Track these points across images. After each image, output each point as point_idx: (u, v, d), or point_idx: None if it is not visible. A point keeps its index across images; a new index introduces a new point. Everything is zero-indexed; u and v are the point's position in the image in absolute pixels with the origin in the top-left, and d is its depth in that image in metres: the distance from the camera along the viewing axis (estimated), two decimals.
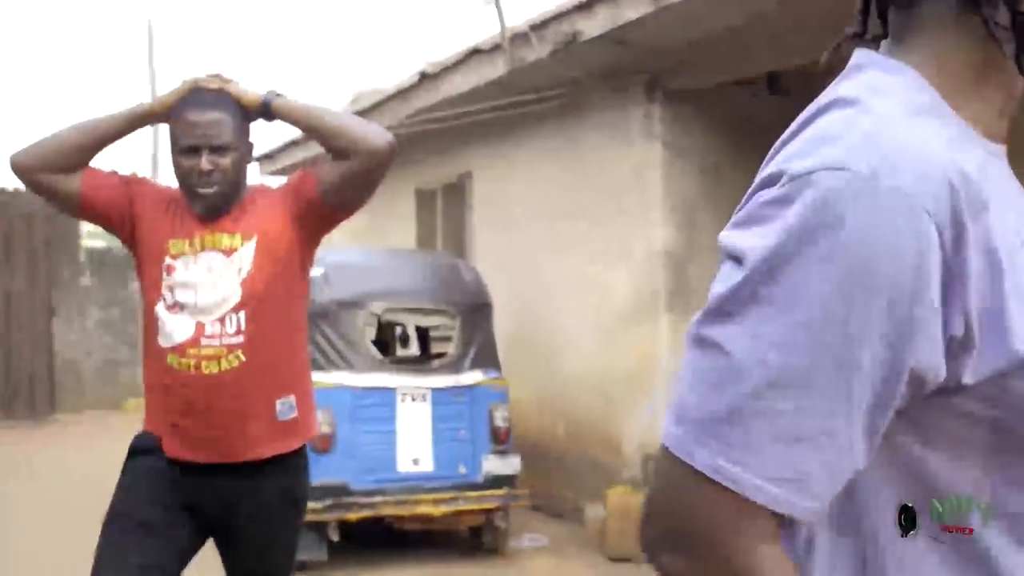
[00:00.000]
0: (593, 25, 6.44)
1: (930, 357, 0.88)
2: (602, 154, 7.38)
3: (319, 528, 6.10)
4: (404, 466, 6.35)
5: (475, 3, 7.41)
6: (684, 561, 0.91)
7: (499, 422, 6.56)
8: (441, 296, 6.73)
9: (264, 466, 2.89)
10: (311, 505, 6.04)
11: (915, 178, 0.87)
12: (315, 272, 6.49)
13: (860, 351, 0.86)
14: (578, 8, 6.54)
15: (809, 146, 0.92)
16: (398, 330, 7.89)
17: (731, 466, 0.87)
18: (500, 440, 6.56)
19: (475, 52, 7.65)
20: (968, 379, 0.90)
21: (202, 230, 2.86)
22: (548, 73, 7.24)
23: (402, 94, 8.77)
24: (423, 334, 7.65)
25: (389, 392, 6.36)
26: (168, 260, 2.84)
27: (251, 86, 2.94)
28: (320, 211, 2.90)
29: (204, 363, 2.77)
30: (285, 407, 2.87)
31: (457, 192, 9.26)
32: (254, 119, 2.95)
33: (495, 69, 7.42)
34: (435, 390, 6.47)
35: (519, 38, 7.09)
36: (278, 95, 2.93)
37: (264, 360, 2.83)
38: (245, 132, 2.93)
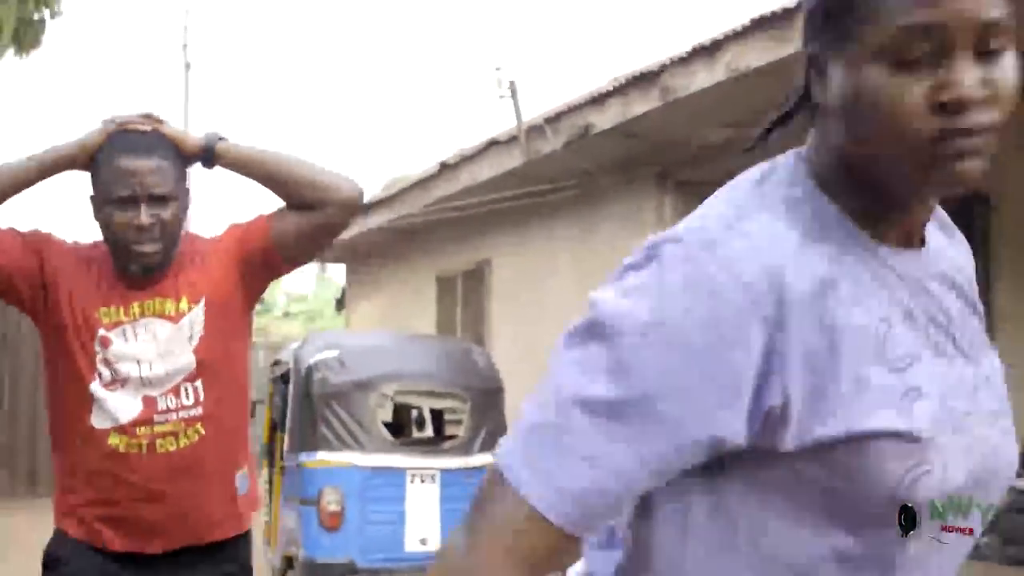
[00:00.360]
0: (604, 118, 6.68)
1: (727, 420, 0.97)
2: (615, 244, 7.55)
3: None
4: (412, 546, 6.42)
5: (493, 96, 7.67)
6: (464, 542, 1.01)
7: None
8: (453, 379, 6.85)
9: (224, 546, 2.56)
10: None
11: (740, 256, 0.98)
12: (330, 354, 6.71)
13: (656, 396, 0.96)
14: (591, 102, 6.78)
15: (680, 223, 1.06)
16: (414, 413, 8.00)
17: (522, 468, 0.99)
18: None
19: (493, 143, 7.90)
20: (786, 447, 0.99)
21: (139, 294, 2.47)
22: (562, 165, 7.48)
23: (423, 183, 9.03)
24: (438, 416, 7.76)
25: (399, 473, 6.46)
26: (102, 331, 2.44)
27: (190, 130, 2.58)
28: (270, 262, 2.54)
29: (159, 441, 2.42)
30: (242, 480, 2.58)
31: (476, 278, 9.45)
32: (191, 164, 2.56)
33: (512, 160, 7.67)
34: (444, 471, 6.55)
35: (535, 130, 7.33)
36: (221, 138, 2.53)
37: (223, 431, 2.51)
38: (184, 179, 2.53)
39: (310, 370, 6.62)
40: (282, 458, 6.99)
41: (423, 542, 6.45)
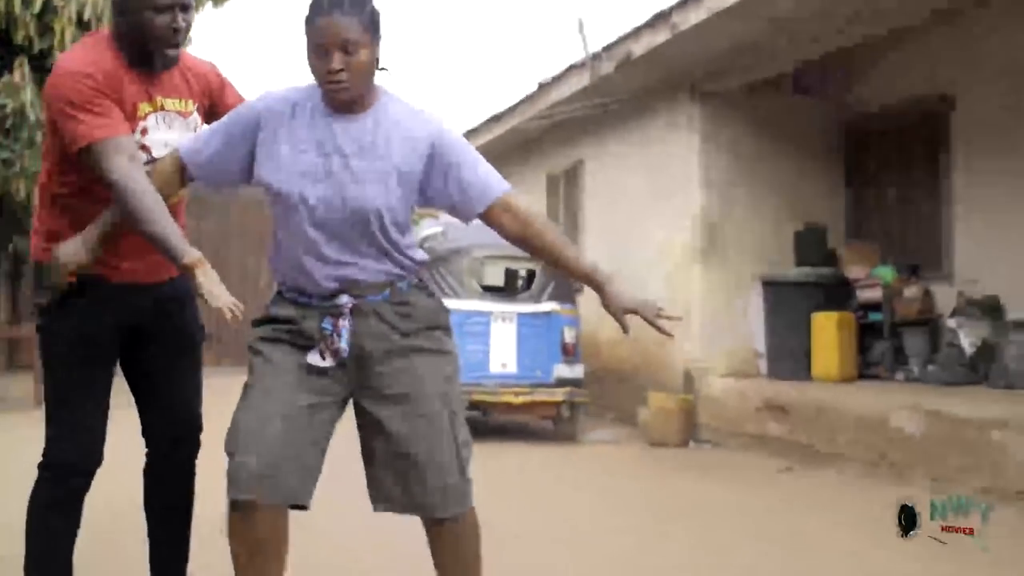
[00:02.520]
0: (638, 47, 8.71)
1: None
2: (662, 146, 9.61)
3: None
4: (495, 368, 8.73)
5: (571, 30, 9.75)
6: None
7: (568, 339, 8.86)
8: None
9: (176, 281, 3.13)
10: None
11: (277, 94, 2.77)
12: (437, 229, 9.05)
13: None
14: (629, 35, 8.83)
15: None
16: (500, 272, 10.12)
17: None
18: (568, 353, 8.86)
19: (571, 68, 10.02)
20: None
21: (156, 89, 3.01)
22: (620, 84, 9.55)
23: (528, 99, 11.26)
24: (516, 274, 10.01)
25: (486, 314, 8.76)
26: (142, 123, 2.96)
27: None
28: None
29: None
30: None
31: (573, 175, 11.63)
32: None
33: (583, 81, 9.78)
34: (520, 314, 8.82)
35: (597, 57, 9.42)
36: None
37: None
38: None
39: (422, 242, 9.00)
40: None
41: (503, 365, 8.75)
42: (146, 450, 3.26)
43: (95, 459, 3.07)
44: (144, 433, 3.26)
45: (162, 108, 2.99)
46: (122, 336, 3.12)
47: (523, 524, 5.16)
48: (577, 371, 8.93)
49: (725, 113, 9.18)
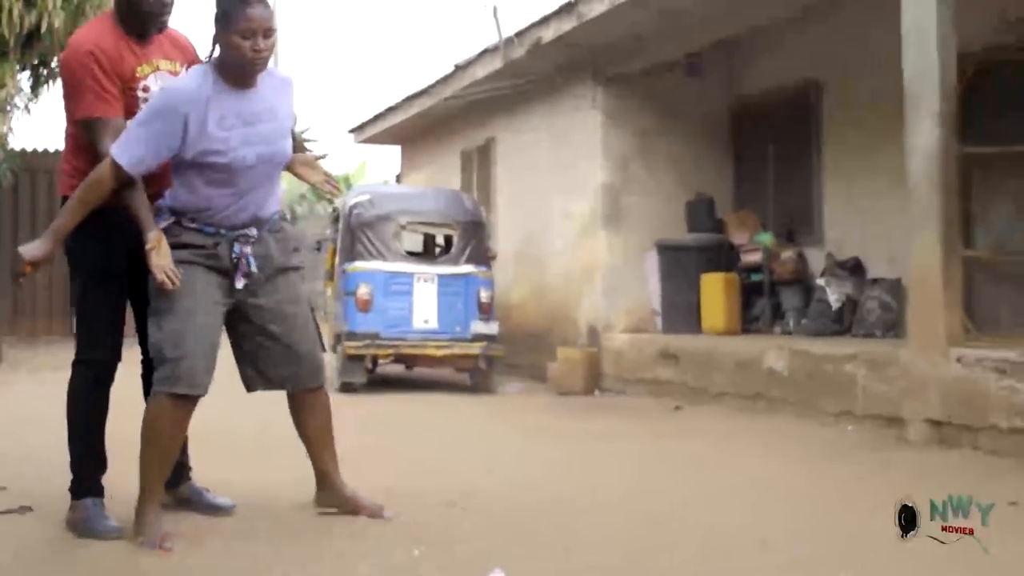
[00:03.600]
0: (548, 33, 9.63)
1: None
2: (569, 123, 10.57)
3: (360, 360, 9.45)
4: (418, 324, 9.60)
5: (485, 16, 10.62)
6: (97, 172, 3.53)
7: (484, 299, 9.76)
8: (446, 214, 9.97)
9: None
10: (355, 344, 9.38)
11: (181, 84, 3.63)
12: (364, 198, 9.89)
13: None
14: (539, 22, 9.74)
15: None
16: (440, 238, 11.00)
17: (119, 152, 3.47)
18: (484, 311, 9.76)
19: (485, 51, 10.91)
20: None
21: (150, 52, 3.77)
22: (531, 67, 10.46)
23: (443, 80, 12.10)
24: (434, 239, 10.90)
25: (409, 275, 9.62)
26: (143, 83, 3.71)
27: None
28: None
29: None
30: None
31: (486, 152, 12.53)
32: None
33: (496, 63, 10.67)
34: (440, 275, 9.70)
35: (509, 42, 10.32)
36: None
37: None
38: None
39: (351, 209, 9.82)
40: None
41: (426, 322, 9.62)
42: (141, 357, 3.95)
43: (113, 356, 3.87)
44: (141, 342, 3.90)
45: (158, 68, 3.76)
46: (131, 259, 3.72)
47: (446, 458, 5.93)
48: (492, 327, 9.81)
49: (625, 94, 10.16)
